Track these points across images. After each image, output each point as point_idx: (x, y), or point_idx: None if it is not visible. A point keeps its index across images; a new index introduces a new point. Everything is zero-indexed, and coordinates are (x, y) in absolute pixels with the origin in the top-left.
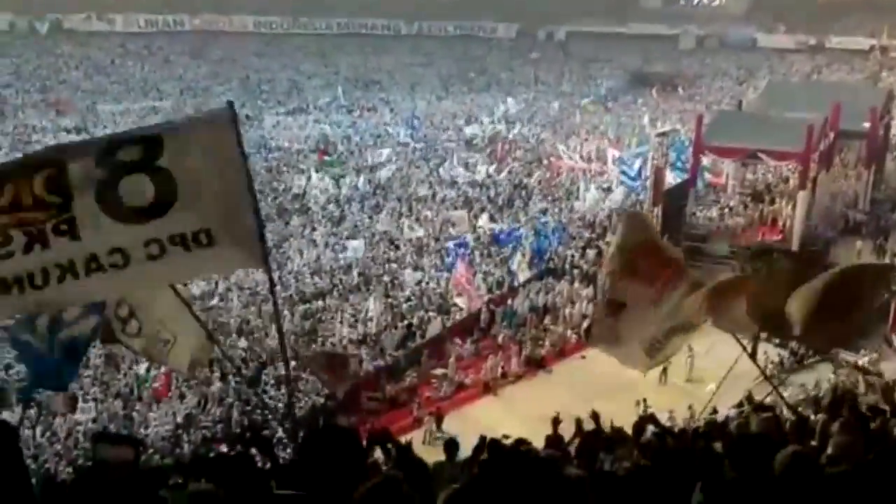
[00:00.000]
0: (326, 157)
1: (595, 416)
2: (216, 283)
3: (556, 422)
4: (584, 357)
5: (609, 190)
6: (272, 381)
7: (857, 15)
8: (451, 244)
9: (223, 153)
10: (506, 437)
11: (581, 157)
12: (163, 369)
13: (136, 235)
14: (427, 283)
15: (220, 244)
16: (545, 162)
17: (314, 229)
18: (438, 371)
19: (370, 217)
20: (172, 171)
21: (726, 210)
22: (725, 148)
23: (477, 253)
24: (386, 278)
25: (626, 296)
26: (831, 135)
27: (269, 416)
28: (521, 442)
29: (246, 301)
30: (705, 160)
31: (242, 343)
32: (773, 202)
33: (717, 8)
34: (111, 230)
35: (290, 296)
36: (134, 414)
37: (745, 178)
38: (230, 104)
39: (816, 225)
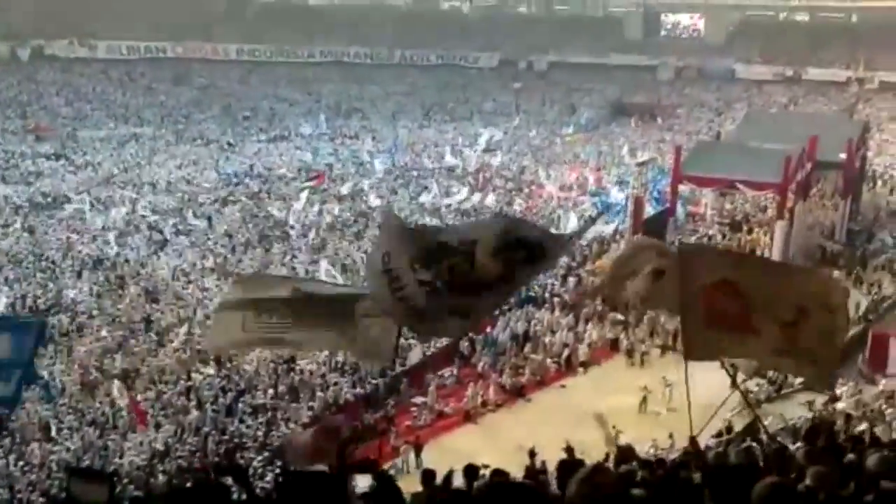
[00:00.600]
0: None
1: (569, 450)
2: (194, 311)
3: (531, 454)
4: (563, 386)
5: (590, 218)
6: (249, 410)
7: (834, 47)
8: None
9: None
10: (485, 466)
11: (562, 185)
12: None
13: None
14: None
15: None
16: (526, 190)
17: (294, 256)
18: (418, 399)
19: (350, 243)
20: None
21: (705, 239)
22: (704, 178)
23: None
24: None
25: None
26: (808, 165)
27: (246, 446)
28: (497, 473)
29: None
30: (684, 189)
31: (221, 372)
32: (750, 232)
33: (695, 39)
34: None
35: None
36: (109, 443)
37: (723, 207)
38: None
39: (793, 255)
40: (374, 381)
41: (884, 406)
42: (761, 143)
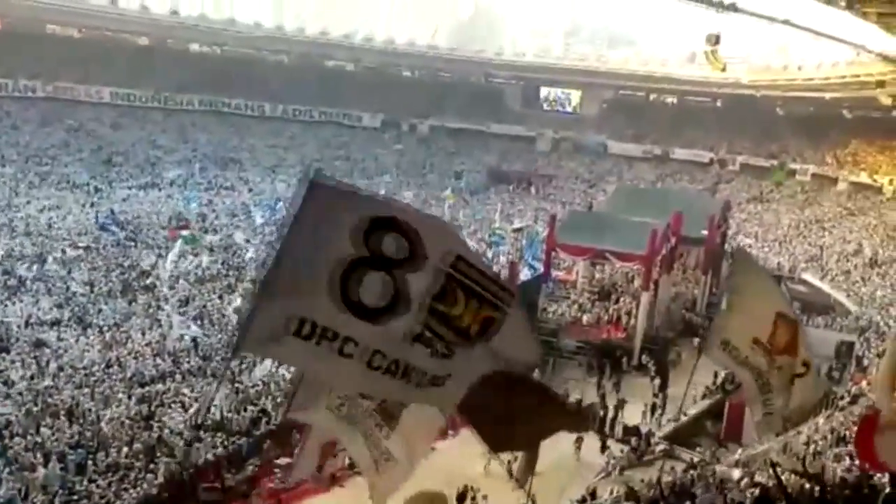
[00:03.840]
0: (184, 233)
1: None
2: (47, 362)
3: None
4: (434, 448)
5: None
6: (102, 469)
7: (699, 130)
8: None
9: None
10: None
11: None
12: None
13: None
14: (277, 368)
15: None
16: None
17: (160, 308)
18: (283, 460)
19: (220, 298)
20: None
21: (575, 307)
22: (576, 247)
23: None
24: (234, 362)
25: None
26: (673, 240)
27: None
28: None
29: (80, 382)
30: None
31: (73, 427)
32: (618, 301)
33: (572, 114)
34: None
35: (130, 378)
36: None
37: (593, 276)
38: None
39: (658, 326)
40: (237, 442)
41: (738, 474)
42: (630, 216)
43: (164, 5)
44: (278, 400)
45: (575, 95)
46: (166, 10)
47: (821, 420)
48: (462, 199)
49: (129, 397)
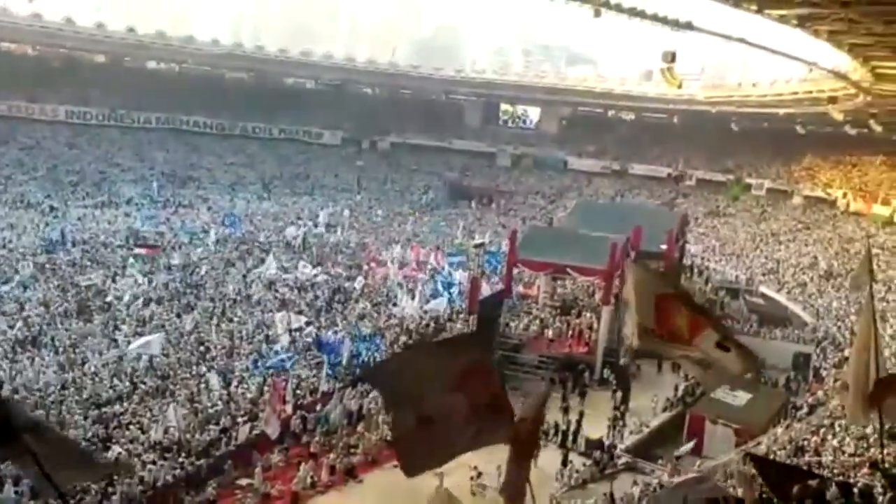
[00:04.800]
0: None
1: None
2: (1, 384)
3: None
4: (396, 466)
5: (427, 297)
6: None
7: (657, 146)
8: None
9: None
10: None
11: (401, 263)
12: None
13: None
14: (236, 387)
15: None
16: (365, 267)
17: (117, 328)
18: (243, 481)
19: (178, 316)
20: None
21: (537, 321)
22: (536, 262)
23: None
24: (192, 381)
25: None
26: (632, 254)
27: None
28: None
29: (35, 403)
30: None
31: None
32: (579, 315)
33: (531, 130)
34: None
35: (86, 399)
36: None
37: (555, 291)
38: None
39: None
40: (196, 462)
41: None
42: (590, 231)
43: (120, 22)
44: (238, 420)
45: (534, 112)
46: (123, 28)
47: (779, 430)
48: (424, 214)
49: (86, 418)
